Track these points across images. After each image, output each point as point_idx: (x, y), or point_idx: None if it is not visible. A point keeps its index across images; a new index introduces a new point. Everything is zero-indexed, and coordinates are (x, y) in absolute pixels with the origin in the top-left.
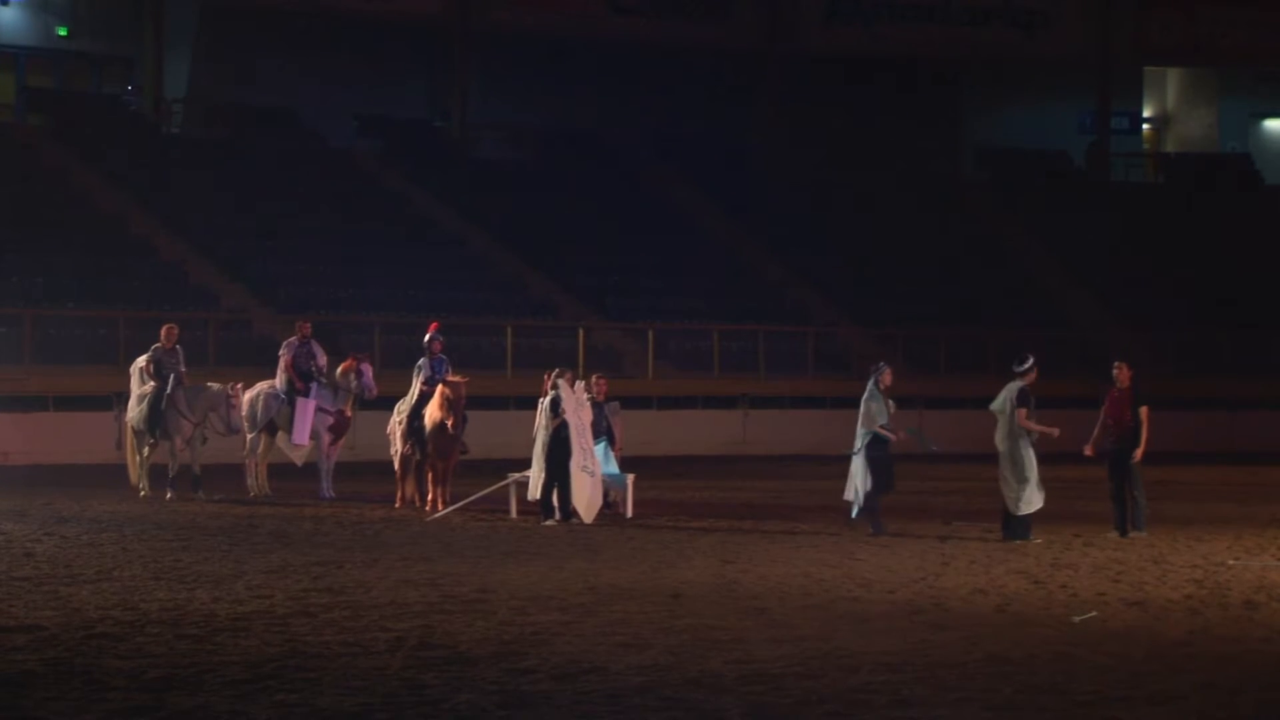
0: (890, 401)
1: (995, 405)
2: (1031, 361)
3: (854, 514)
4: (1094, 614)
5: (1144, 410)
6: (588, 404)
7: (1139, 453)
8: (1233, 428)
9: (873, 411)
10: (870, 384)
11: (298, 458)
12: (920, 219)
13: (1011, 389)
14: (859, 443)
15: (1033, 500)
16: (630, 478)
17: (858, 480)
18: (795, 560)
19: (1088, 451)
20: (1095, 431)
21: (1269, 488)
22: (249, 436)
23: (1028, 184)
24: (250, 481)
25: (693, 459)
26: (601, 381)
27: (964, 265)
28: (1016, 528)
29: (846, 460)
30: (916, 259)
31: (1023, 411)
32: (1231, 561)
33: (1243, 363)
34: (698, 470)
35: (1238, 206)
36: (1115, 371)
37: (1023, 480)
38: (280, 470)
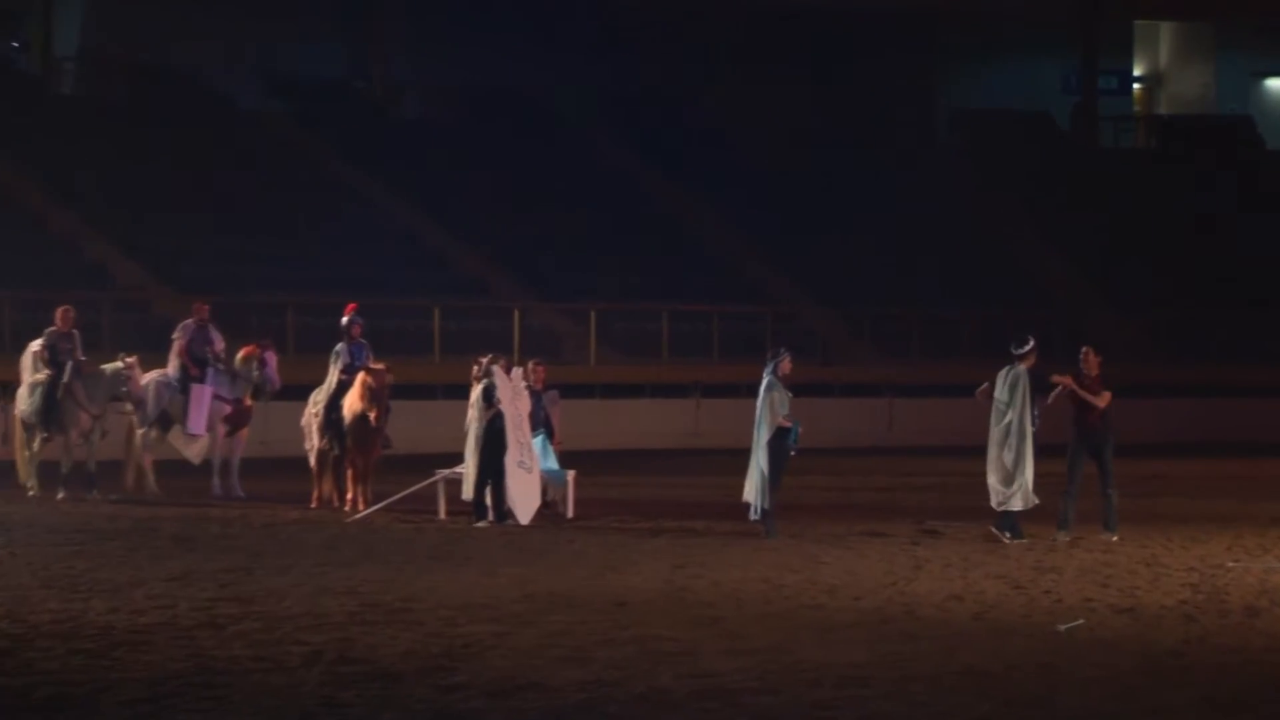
0: (789, 392)
1: (999, 394)
2: (1032, 343)
3: (754, 515)
4: (1081, 622)
5: (1108, 394)
6: (525, 393)
7: (1085, 396)
8: (1233, 417)
9: (775, 402)
10: (768, 372)
11: (194, 454)
12: (888, 188)
13: (1018, 375)
14: (760, 437)
15: (1017, 500)
16: (571, 474)
17: (756, 479)
18: (753, 564)
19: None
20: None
21: (1272, 482)
22: (139, 433)
23: (1007, 150)
24: (130, 478)
25: (640, 453)
26: (539, 368)
27: (936, 239)
28: (1007, 523)
29: (809, 453)
30: (884, 232)
31: (1042, 399)
32: (1231, 564)
33: (1244, 345)
34: (645, 466)
35: (1238, 174)
36: (1082, 358)
37: (1015, 479)
38: (179, 468)
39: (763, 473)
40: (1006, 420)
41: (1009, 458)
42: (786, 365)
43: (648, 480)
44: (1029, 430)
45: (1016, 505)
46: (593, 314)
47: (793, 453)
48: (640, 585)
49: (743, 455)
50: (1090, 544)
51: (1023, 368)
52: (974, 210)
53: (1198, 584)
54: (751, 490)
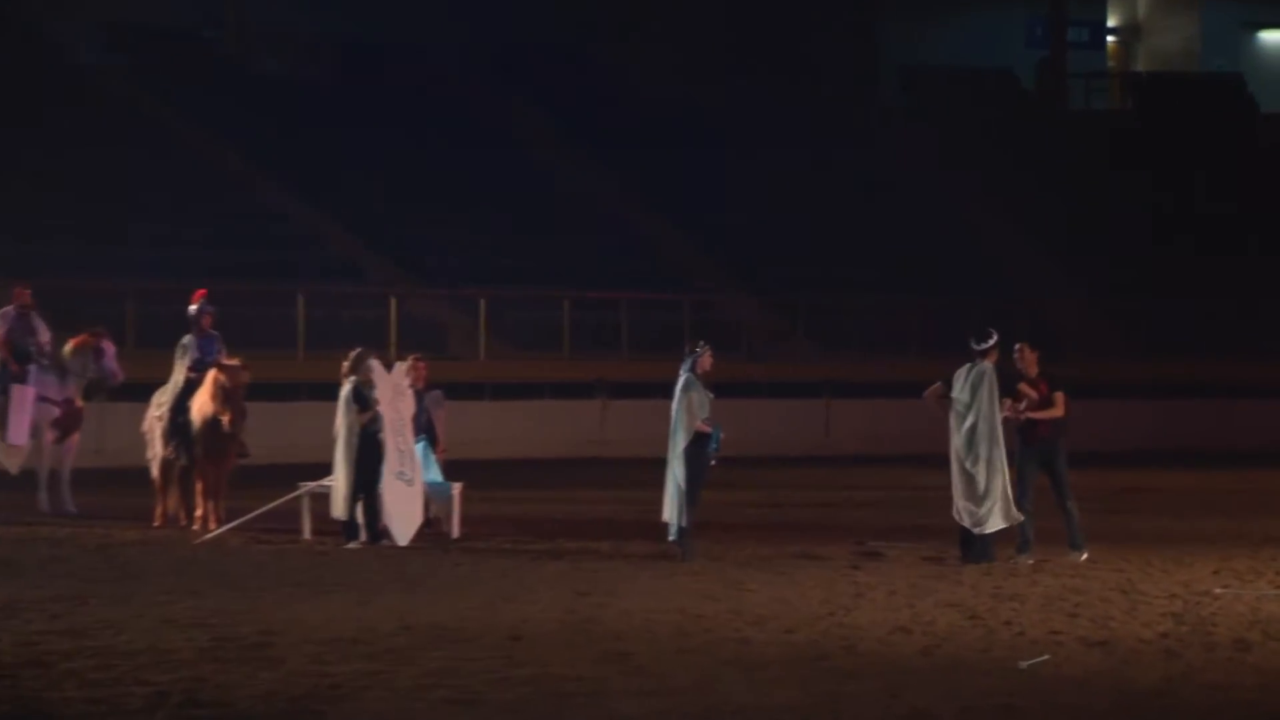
0: (709, 393)
1: (959, 394)
2: (995, 337)
3: (671, 535)
4: (1046, 658)
5: (1061, 396)
6: (409, 393)
7: (1032, 411)
8: (1222, 421)
9: (693, 404)
10: (685, 369)
11: (13, 464)
12: (826, 156)
13: (981, 372)
14: (677, 444)
15: (997, 517)
16: (457, 487)
17: (673, 493)
18: (668, 592)
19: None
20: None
21: (1265, 496)
22: None
23: (963, 112)
24: None
25: (537, 463)
26: (420, 365)
27: (881, 216)
28: (980, 548)
29: (733, 463)
30: (820, 208)
31: (1007, 401)
32: (1219, 590)
33: (1235, 339)
34: (544, 477)
35: (1226, 139)
36: (1017, 355)
37: (989, 493)
38: None
39: (679, 486)
40: (969, 424)
41: (978, 470)
42: (707, 361)
43: (546, 494)
44: (999, 434)
45: (996, 524)
46: (482, 302)
47: (713, 463)
48: (538, 616)
49: (657, 466)
50: (1056, 568)
51: (987, 364)
52: (924, 182)
53: (1180, 613)
54: (669, 507)
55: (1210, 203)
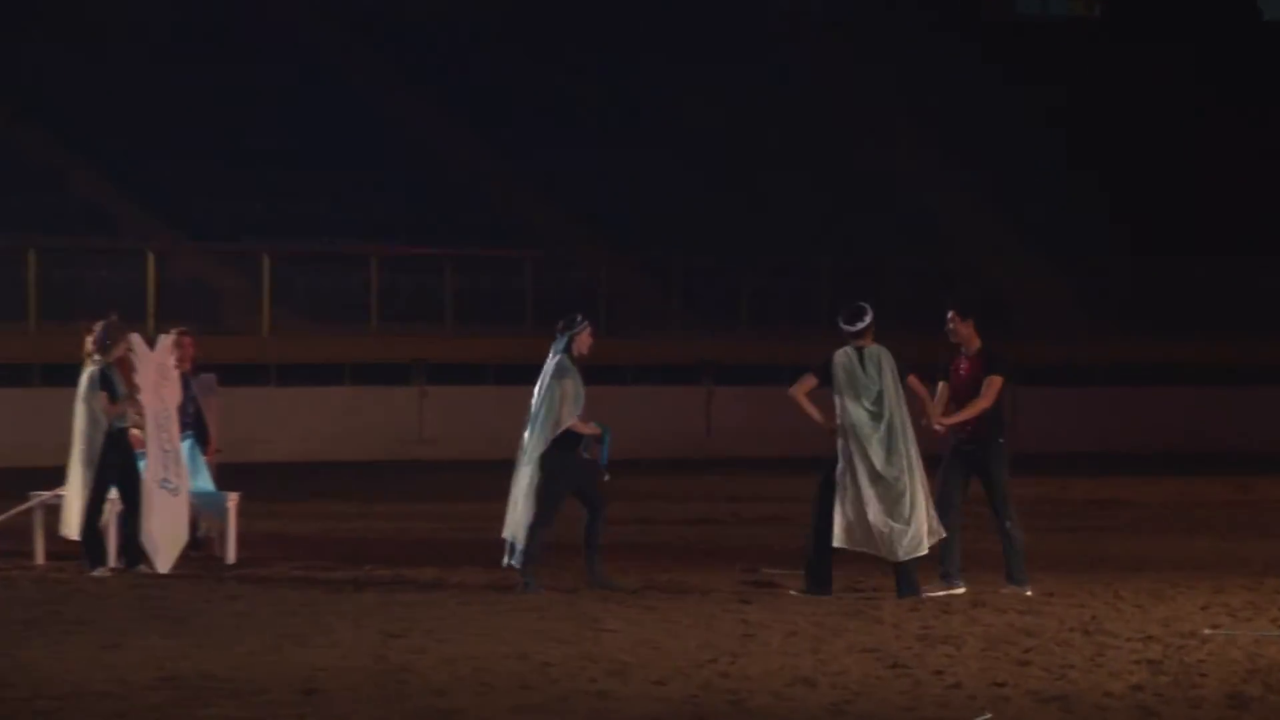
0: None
1: (862, 388)
2: (870, 317)
3: (511, 558)
4: (988, 717)
5: (993, 381)
6: (174, 376)
7: (947, 419)
8: (1214, 414)
9: (566, 395)
10: (557, 351)
11: None
12: (713, 79)
13: (879, 357)
14: (537, 445)
15: (921, 541)
16: (233, 499)
17: (519, 506)
18: (505, 633)
19: (937, 425)
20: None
21: (1267, 511)
22: None
23: (890, 21)
24: None
25: (336, 466)
26: (186, 340)
27: (782, 153)
28: (906, 579)
29: (594, 466)
30: (702, 143)
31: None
32: (1208, 631)
33: (1232, 312)
34: (345, 485)
35: (1222, 59)
36: (949, 323)
37: (915, 505)
38: None
39: (530, 498)
40: (885, 425)
41: (903, 479)
42: (585, 341)
43: (348, 507)
44: (910, 429)
45: (922, 549)
46: (265, 261)
47: (605, 478)
48: (337, 663)
49: (491, 470)
50: (1001, 602)
51: (880, 347)
52: (839, 110)
53: (1159, 660)
54: (512, 521)
55: (1201, 134)
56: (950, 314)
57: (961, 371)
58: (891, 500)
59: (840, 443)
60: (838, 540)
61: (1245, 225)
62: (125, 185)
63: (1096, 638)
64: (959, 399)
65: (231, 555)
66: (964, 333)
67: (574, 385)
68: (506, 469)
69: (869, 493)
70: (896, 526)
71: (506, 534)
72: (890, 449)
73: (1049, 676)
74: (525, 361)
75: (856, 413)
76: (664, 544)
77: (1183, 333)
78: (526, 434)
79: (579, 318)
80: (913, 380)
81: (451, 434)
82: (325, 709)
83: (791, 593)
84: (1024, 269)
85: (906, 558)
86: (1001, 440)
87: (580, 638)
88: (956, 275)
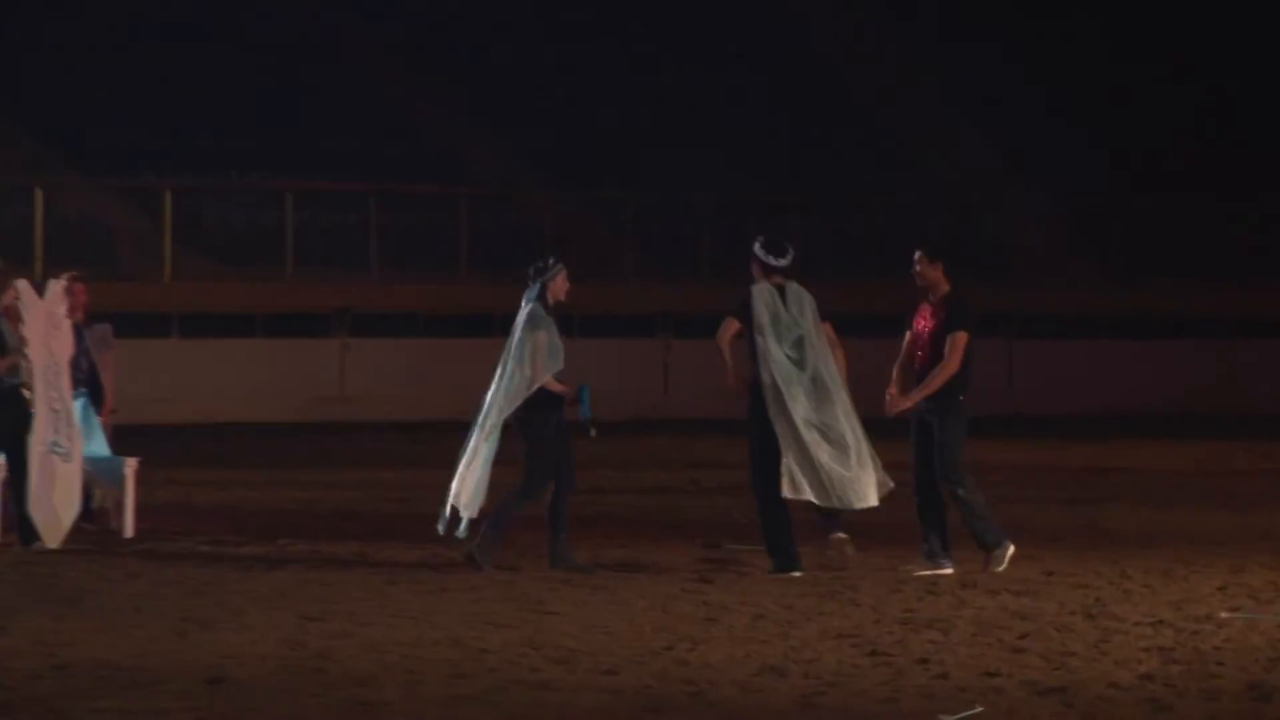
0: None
1: (784, 330)
2: (791, 254)
3: (459, 530)
4: (979, 710)
5: (958, 339)
6: (66, 326)
7: (907, 398)
8: (1236, 372)
9: (540, 347)
10: (529, 299)
11: None
12: None
13: (802, 298)
14: (498, 403)
15: (870, 488)
16: (131, 465)
17: (476, 474)
18: (437, 616)
19: (893, 406)
20: (895, 370)
21: None
22: None
23: None
24: None
25: (248, 428)
26: (78, 287)
27: (751, 84)
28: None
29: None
30: (663, 72)
31: (829, 326)
32: (1225, 615)
33: (1257, 256)
34: (257, 449)
35: None
36: (916, 268)
37: (863, 453)
38: None
39: (486, 462)
40: (810, 374)
41: (824, 421)
42: (561, 286)
43: (260, 475)
44: (839, 378)
45: (872, 499)
46: (167, 197)
47: (592, 433)
48: (247, 650)
49: (426, 433)
50: (994, 582)
51: (800, 288)
52: (817, 33)
53: (1171, 647)
54: (467, 491)
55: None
56: (917, 254)
57: (923, 322)
58: (834, 446)
59: (765, 396)
60: (785, 490)
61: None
62: (8, 113)
63: (1101, 622)
64: (921, 352)
65: (129, 529)
66: (931, 276)
67: (548, 337)
68: (438, 431)
69: (809, 437)
70: (846, 474)
71: (456, 502)
72: (820, 399)
73: (1047, 665)
74: (460, 311)
75: (778, 357)
76: (615, 516)
77: (1201, 279)
78: (490, 392)
79: (552, 260)
80: (828, 329)
81: (377, 392)
82: (234, 700)
83: (759, 572)
84: (1019, 206)
85: (860, 506)
86: (961, 398)
87: (521, 621)
88: (943, 214)
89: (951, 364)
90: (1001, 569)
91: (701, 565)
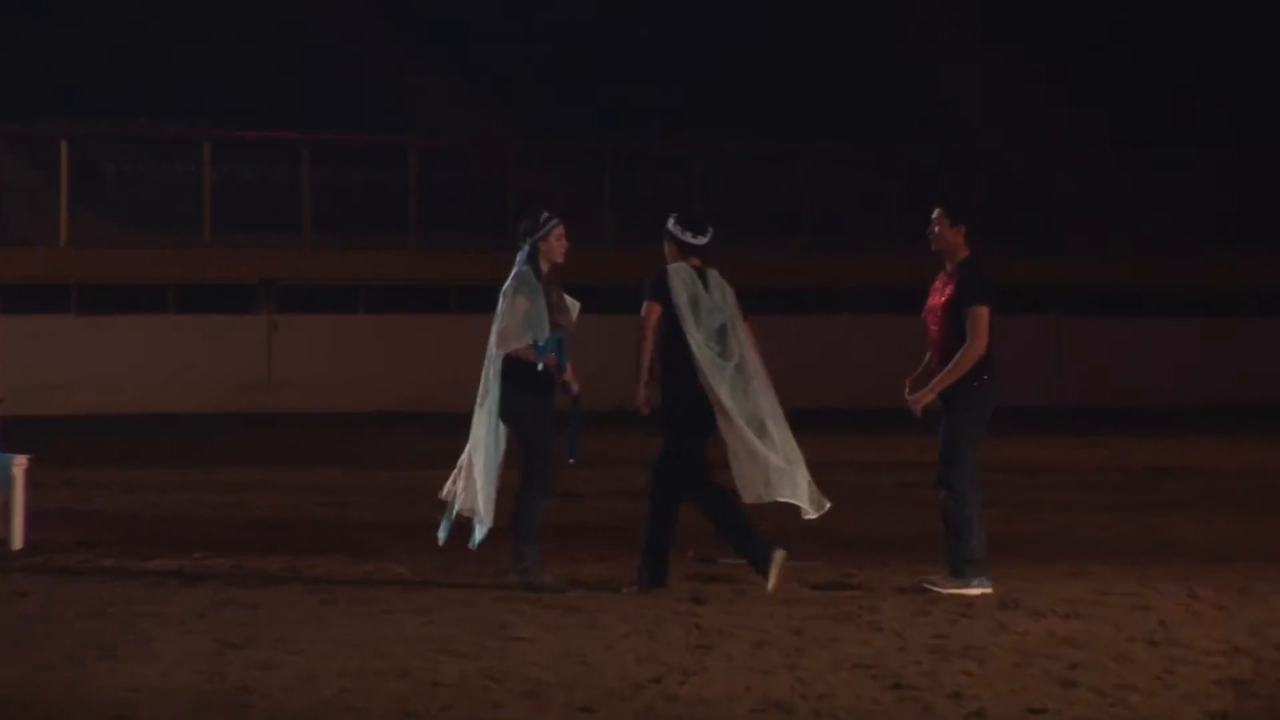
0: (568, 298)
1: (702, 318)
2: (711, 233)
3: (472, 539)
4: None
5: (978, 314)
6: None
7: (922, 394)
8: None
9: (521, 318)
10: (520, 262)
11: None
12: None
13: (724, 285)
14: (491, 392)
15: (804, 486)
16: (20, 464)
17: (479, 469)
18: (382, 641)
19: (911, 403)
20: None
21: None
22: None
23: None
24: None
25: (158, 420)
26: None
27: (752, 12)
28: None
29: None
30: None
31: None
32: None
33: None
34: (169, 444)
35: None
36: (933, 229)
37: (794, 454)
38: None
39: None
40: (733, 367)
41: (753, 416)
42: (557, 247)
43: (173, 474)
44: (766, 376)
45: (796, 495)
46: (64, 149)
47: (575, 389)
48: (158, 683)
49: (367, 426)
50: (1037, 602)
51: (718, 275)
52: None
53: (1248, 680)
54: (480, 492)
55: None
56: (936, 213)
57: (936, 296)
58: (772, 443)
59: (682, 389)
60: (747, 496)
61: None
62: None
63: (1165, 650)
64: (934, 328)
65: (18, 539)
66: (950, 241)
67: (530, 305)
68: (382, 424)
69: (747, 433)
70: (784, 468)
71: (465, 508)
72: (746, 393)
73: (1102, 701)
74: (408, 281)
75: (698, 344)
76: (592, 525)
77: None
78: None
79: (544, 216)
80: (748, 327)
81: (310, 378)
82: None
83: (760, 590)
84: (1078, 164)
85: (817, 513)
86: (976, 383)
87: (481, 649)
88: (985, 171)
89: (977, 346)
90: (952, 592)
91: (693, 583)
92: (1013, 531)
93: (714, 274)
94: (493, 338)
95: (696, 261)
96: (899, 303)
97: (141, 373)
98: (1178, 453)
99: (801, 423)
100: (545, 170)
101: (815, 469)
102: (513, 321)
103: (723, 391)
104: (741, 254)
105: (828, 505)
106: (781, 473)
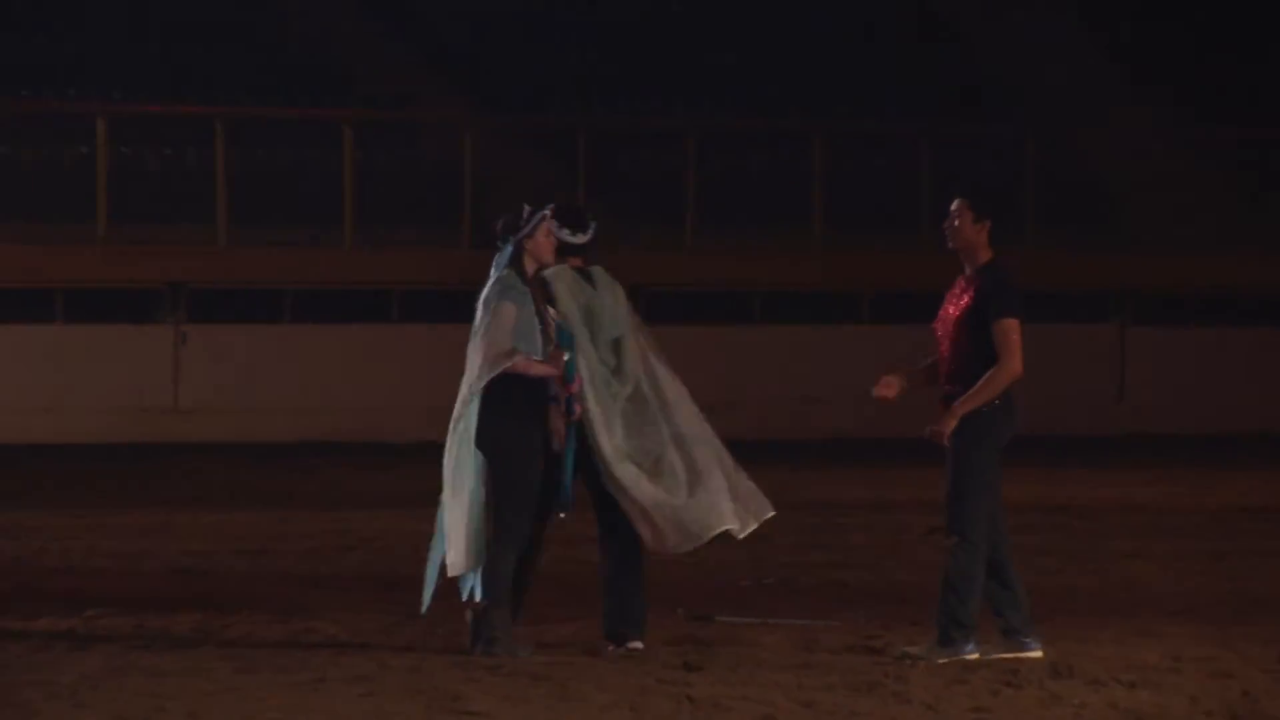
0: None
1: (598, 332)
2: (594, 229)
3: (473, 596)
4: None
5: (1009, 328)
6: None
7: (946, 421)
8: None
9: (504, 321)
10: (501, 264)
11: None
12: None
13: (615, 288)
14: (465, 419)
15: (719, 511)
16: None
17: (462, 519)
18: (312, 714)
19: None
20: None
21: None
22: None
23: None
24: None
25: (44, 451)
26: None
27: None
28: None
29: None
30: None
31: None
32: None
33: None
34: (57, 480)
35: None
36: (953, 223)
37: (695, 476)
38: None
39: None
40: (629, 387)
41: (638, 448)
42: (544, 245)
43: (62, 518)
44: (678, 389)
45: (725, 521)
46: None
47: (561, 515)
48: None
49: (292, 457)
50: (1097, 669)
51: (606, 273)
52: None
53: None
54: (459, 545)
55: None
56: (956, 204)
57: (951, 304)
58: (658, 477)
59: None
60: (650, 544)
61: None
62: None
63: None
64: (946, 342)
65: None
66: (970, 238)
67: (520, 313)
68: (310, 455)
69: (624, 474)
70: (676, 503)
71: (454, 561)
72: (642, 419)
73: None
74: (347, 283)
75: (589, 358)
76: (563, 574)
77: None
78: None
79: (528, 210)
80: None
81: (225, 400)
82: None
83: (765, 653)
84: (1147, 143)
85: (707, 537)
86: (986, 408)
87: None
88: (1027, 151)
89: (1012, 365)
90: (939, 660)
91: (683, 646)
92: (1068, 584)
93: (600, 273)
94: (476, 360)
95: (578, 262)
96: (929, 311)
97: (21, 395)
98: (1266, 490)
99: (813, 455)
100: (508, 150)
101: (826, 510)
102: (500, 334)
103: (607, 415)
104: (741, 251)
105: (769, 512)
106: (685, 510)
